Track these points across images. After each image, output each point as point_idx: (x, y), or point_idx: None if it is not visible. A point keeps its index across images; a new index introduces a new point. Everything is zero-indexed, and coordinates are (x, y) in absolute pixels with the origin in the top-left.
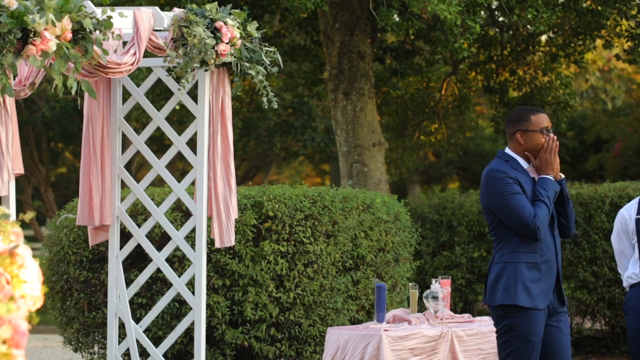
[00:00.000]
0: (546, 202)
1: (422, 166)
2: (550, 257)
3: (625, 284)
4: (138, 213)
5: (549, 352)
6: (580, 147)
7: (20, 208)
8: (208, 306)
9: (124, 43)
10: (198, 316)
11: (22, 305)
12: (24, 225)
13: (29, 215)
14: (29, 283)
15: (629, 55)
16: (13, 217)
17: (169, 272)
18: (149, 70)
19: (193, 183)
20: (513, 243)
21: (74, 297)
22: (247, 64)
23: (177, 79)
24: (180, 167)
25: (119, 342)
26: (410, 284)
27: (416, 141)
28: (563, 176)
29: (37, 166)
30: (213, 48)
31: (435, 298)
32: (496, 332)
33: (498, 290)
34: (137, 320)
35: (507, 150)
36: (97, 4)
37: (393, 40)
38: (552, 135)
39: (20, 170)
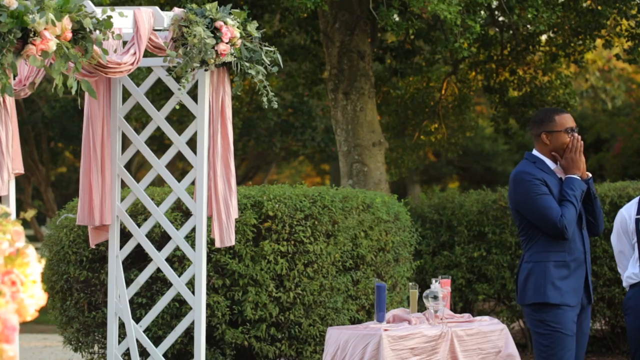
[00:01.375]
0: (573, 201)
1: (422, 166)
2: (579, 256)
3: (625, 284)
4: (138, 213)
5: None
6: None
7: (20, 208)
8: (208, 306)
9: (124, 43)
10: (198, 316)
11: (30, 304)
12: (24, 224)
13: (30, 214)
14: (37, 282)
15: (629, 55)
16: (13, 217)
17: (169, 272)
18: (149, 70)
19: (193, 183)
20: (542, 243)
21: (74, 297)
22: (247, 64)
23: (177, 79)
24: (180, 167)
25: (119, 342)
26: (410, 283)
27: (416, 141)
28: (590, 175)
29: (37, 166)
30: (213, 48)
31: (435, 298)
32: (532, 328)
33: (529, 289)
34: (137, 320)
35: (534, 151)
36: (97, 4)
37: (393, 40)
38: (576, 135)
39: (20, 170)
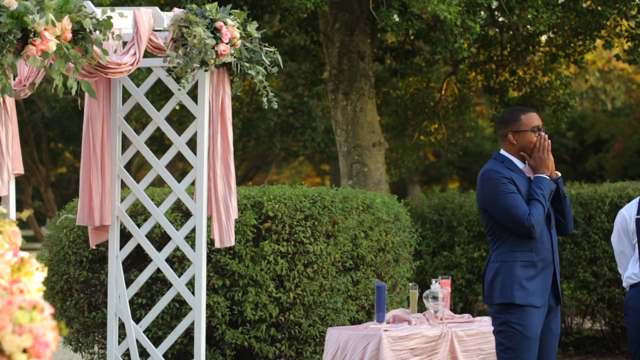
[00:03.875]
0: (541, 200)
1: (422, 166)
2: (547, 256)
3: (625, 284)
4: (138, 213)
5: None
6: (580, 147)
7: (20, 208)
8: (208, 306)
9: (124, 43)
10: (198, 316)
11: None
12: (23, 225)
13: (26, 214)
14: (41, 291)
15: (629, 56)
16: (13, 217)
17: (169, 272)
18: (149, 70)
19: (193, 183)
20: (509, 242)
21: (74, 297)
22: (247, 64)
23: (177, 79)
24: (180, 167)
25: (119, 342)
26: (410, 284)
27: (416, 141)
28: (559, 174)
29: (37, 166)
30: (213, 48)
31: (435, 298)
32: (494, 330)
33: (495, 289)
34: (137, 320)
35: (502, 151)
36: (97, 4)
37: (393, 40)
38: (543, 134)
39: (20, 170)
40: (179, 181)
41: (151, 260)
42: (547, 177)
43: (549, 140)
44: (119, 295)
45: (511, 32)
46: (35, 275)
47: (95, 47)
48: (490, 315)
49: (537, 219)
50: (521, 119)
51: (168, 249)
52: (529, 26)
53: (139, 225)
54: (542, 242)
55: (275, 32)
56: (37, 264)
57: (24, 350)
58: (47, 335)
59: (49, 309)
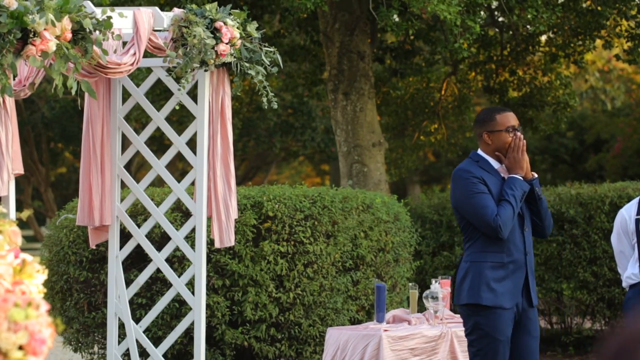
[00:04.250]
0: (511, 201)
1: (422, 166)
2: (519, 257)
3: (624, 284)
4: (138, 213)
5: (516, 355)
6: (580, 147)
7: (20, 208)
8: (208, 306)
9: (124, 43)
10: (198, 316)
11: (43, 312)
12: (23, 225)
13: (26, 213)
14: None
15: (628, 56)
16: (13, 217)
17: (168, 272)
18: (149, 70)
19: (193, 183)
20: (480, 243)
21: (73, 297)
22: (247, 64)
23: (177, 79)
24: (180, 167)
25: (119, 342)
26: (410, 284)
27: (416, 141)
28: (535, 175)
29: (37, 166)
30: (213, 48)
31: (435, 298)
32: (464, 332)
33: (464, 289)
34: (137, 320)
35: (479, 151)
36: (97, 4)
37: (393, 40)
38: (518, 134)
39: (20, 170)
40: (179, 181)
41: (151, 260)
42: (520, 177)
43: (524, 141)
44: (118, 295)
45: (511, 32)
46: (36, 277)
47: (95, 47)
48: (461, 316)
49: (504, 220)
50: (496, 119)
51: (168, 249)
52: (528, 26)
53: (138, 225)
54: (513, 244)
55: (275, 32)
56: (38, 266)
57: (20, 347)
58: (43, 332)
59: (44, 306)
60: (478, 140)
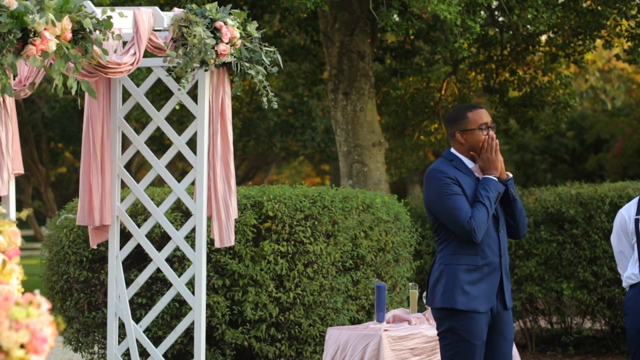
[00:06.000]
0: (486, 203)
1: (422, 166)
2: (494, 260)
3: (624, 284)
4: (138, 213)
5: (489, 358)
6: (580, 147)
7: (20, 208)
8: (208, 306)
9: (124, 43)
10: (198, 316)
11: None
12: (23, 224)
13: (25, 213)
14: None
15: (629, 55)
16: (13, 217)
17: (168, 272)
18: (149, 70)
19: (193, 183)
20: (454, 245)
21: (74, 297)
22: (247, 64)
23: (177, 79)
24: (180, 167)
25: (119, 342)
26: (410, 284)
27: (416, 141)
28: (510, 175)
29: (37, 166)
30: (213, 48)
31: None
32: (438, 335)
33: (437, 293)
34: (137, 320)
35: (452, 150)
36: (97, 4)
37: (393, 40)
38: (491, 133)
39: (20, 170)
40: (179, 181)
41: (151, 260)
42: (495, 178)
43: (497, 140)
44: (119, 295)
45: (511, 32)
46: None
47: (95, 47)
48: (434, 319)
49: (479, 223)
50: (468, 117)
51: (168, 249)
52: (529, 26)
53: (139, 225)
54: (488, 246)
55: (275, 32)
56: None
57: (22, 346)
58: (44, 331)
59: (45, 304)
60: (451, 140)
